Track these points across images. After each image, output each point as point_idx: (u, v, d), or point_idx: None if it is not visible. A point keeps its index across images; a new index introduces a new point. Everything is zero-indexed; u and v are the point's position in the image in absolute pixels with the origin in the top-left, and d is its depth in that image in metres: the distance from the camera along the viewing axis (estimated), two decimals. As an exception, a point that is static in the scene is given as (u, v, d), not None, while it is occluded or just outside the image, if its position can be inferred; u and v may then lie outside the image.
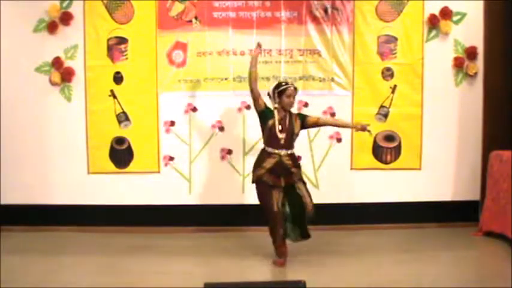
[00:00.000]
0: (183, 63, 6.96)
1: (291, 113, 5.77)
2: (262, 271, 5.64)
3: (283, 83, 5.79)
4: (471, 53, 7.01)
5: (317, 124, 5.93)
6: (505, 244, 6.30)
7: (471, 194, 7.10)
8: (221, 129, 7.00)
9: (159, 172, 7.03)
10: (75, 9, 6.86)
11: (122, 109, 6.96)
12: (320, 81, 6.96)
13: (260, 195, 5.78)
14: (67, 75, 6.90)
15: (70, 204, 7.01)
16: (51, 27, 6.85)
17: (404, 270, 5.77)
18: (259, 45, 5.91)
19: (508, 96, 6.93)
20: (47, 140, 6.99)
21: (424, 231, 6.90)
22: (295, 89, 5.77)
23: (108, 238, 6.75)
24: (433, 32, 7.00)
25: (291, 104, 5.74)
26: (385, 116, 6.99)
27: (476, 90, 7.05)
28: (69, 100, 6.95)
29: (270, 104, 5.78)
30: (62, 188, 7.01)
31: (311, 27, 6.94)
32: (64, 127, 6.98)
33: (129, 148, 7.02)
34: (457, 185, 7.13)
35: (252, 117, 6.91)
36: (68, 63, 6.90)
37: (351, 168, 7.03)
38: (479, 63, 7.03)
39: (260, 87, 6.82)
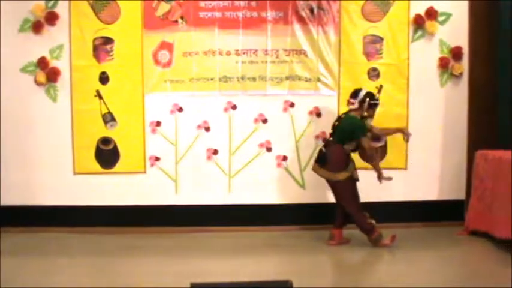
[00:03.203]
0: (169, 64, 6.94)
1: None
2: (249, 271, 5.63)
3: (376, 97, 6.50)
4: (456, 53, 7.05)
5: None
6: (490, 243, 6.34)
7: (457, 193, 7.14)
8: (207, 129, 6.99)
9: (145, 172, 7.01)
10: (61, 9, 6.82)
11: (108, 109, 6.93)
12: (306, 81, 6.97)
13: (352, 187, 6.37)
14: (52, 75, 6.86)
15: (56, 205, 6.96)
16: (37, 27, 6.81)
17: (390, 269, 5.80)
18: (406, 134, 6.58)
19: (492, 96, 6.99)
20: (32, 140, 6.94)
21: (410, 231, 6.90)
22: None
23: (94, 239, 6.72)
24: (419, 33, 7.03)
25: None
26: (371, 116, 6.98)
27: (462, 90, 7.10)
28: (54, 100, 6.92)
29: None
30: (48, 189, 6.97)
31: (297, 27, 6.94)
32: (49, 127, 6.93)
33: (115, 148, 6.99)
34: (443, 185, 7.17)
35: (238, 117, 6.97)
36: (53, 63, 6.86)
37: (337, 168, 7.04)
38: (465, 64, 7.07)
39: (246, 87, 6.95)
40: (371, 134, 6.51)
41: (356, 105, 6.32)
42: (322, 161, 6.36)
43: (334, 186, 6.37)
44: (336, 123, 6.41)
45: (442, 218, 7.09)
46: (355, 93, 6.37)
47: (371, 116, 6.45)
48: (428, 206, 7.13)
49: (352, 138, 6.29)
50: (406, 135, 6.53)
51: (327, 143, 6.49)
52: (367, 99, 6.32)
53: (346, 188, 6.31)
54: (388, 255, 6.17)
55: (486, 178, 6.54)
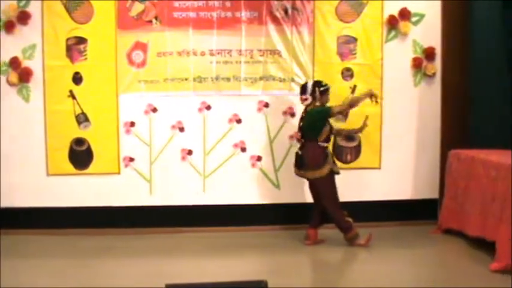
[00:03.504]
0: (143, 64, 6.90)
1: None
2: (224, 271, 5.62)
3: (324, 83, 6.40)
4: (429, 54, 7.11)
5: None
6: (463, 241, 6.41)
7: (430, 192, 7.20)
8: (181, 129, 6.96)
9: (119, 173, 6.96)
10: (33, 8, 6.73)
11: (82, 110, 6.88)
12: (280, 81, 6.98)
13: (332, 184, 6.36)
14: (25, 76, 6.78)
15: (29, 207, 6.85)
16: (9, 27, 6.71)
17: (365, 269, 5.82)
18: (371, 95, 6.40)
19: (465, 95, 7.05)
20: (5, 141, 6.82)
21: (384, 230, 6.94)
22: None
23: (68, 240, 6.65)
24: (392, 33, 7.07)
25: None
26: (345, 115, 7.03)
27: (435, 90, 7.17)
28: (27, 101, 6.83)
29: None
30: (21, 190, 6.85)
31: (271, 27, 6.95)
32: (22, 128, 6.83)
33: (89, 149, 6.93)
34: (417, 184, 7.22)
35: (212, 117, 6.95)
36: (25, 63, 6.77)
37: (312, 168, 7.06)
38: (437, 64, 7.14)
39: (220, 88, 6.94)
40: (344, 131, 6.70)
41: (309, 99, 6.35)
42: (301, 164, 6.37)
43: (315, 183, 6.36)
44: (301, 124, 6.45)
45: (416, 217, 7.14)
46: (303, 89, 6.40)
47: (326, 103, 6.41)
48: (402, 205, 7.17)
49: (321, 128, 6.30)
50: (375, 96, 6.39)
51: (301, 145, 6.49)
52: (316, 88, 6.33)
53: (326, 184, 6.31)
54: (364, 254, 6.19)
55: (459, 177, 6.60)
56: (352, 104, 6.43)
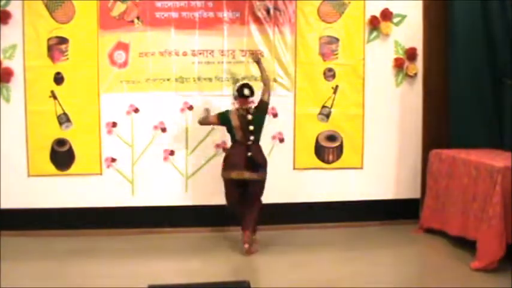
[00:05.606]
0: (124, 64, 6.87)
1: None
2: (207, 272, 5.63)
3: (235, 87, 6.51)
4: (411, 54, 7.15)
5: None
6: (445, 240, 6.46)
7: (412, 192, 7.25)
8: (163, 130, 6.94)
9: (101, 174, 6.93)
10: (14, 8, 6.67)
11: (63, 110, 6.84)
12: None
13: None
14: (5, 76, 6.72)
15: (10, 208, 6.79)
16: (-11, 27, 6.69)
17: (347, 268, 5.83)
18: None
19: (446, 96, 7.09)
20: (-15, 142, 6.80)
21: (366, 230, 6.99)
22: None
23: (50, 242, 6.60)
24: (374, 33, 7.10)
25: None
26: (327, 116, 7.06)
27: (416, 90, 7.21)
28: (7, 101, 6.78)
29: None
30: (1, 192, 6.79)
31: (253, 27, 6.95)
32: (3, 129, 6.78)
33: (71, 150, 6.89)
34: (399, 184, 7.25)
35: (195, 117, 6.93)
36: (6, 63, 6.71)
37: (294, 168, 7.06)
38: (419, 64, 7.18)
39: (202, 88, 6.93)
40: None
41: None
42: (256, 165, 6.19)
43: (259, 183, 6.27)
44: (250, 127, 6.25)
45: (397, 217, 7.18)
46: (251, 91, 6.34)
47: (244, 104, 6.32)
48: (384, 204, 7.21)
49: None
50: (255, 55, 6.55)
51: (246, 147, 6.22)
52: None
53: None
54: (345, 254, 6.20)
55: (440, 177, 6.64)
56: (263, 77, 6.31)
